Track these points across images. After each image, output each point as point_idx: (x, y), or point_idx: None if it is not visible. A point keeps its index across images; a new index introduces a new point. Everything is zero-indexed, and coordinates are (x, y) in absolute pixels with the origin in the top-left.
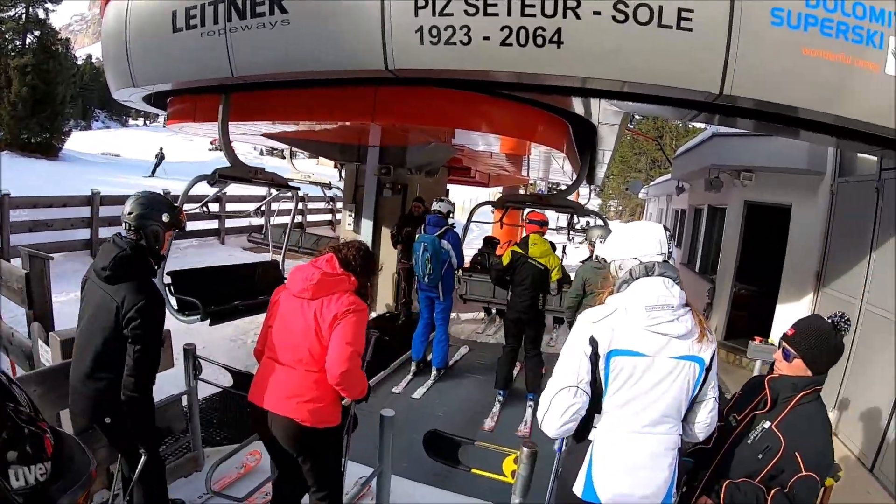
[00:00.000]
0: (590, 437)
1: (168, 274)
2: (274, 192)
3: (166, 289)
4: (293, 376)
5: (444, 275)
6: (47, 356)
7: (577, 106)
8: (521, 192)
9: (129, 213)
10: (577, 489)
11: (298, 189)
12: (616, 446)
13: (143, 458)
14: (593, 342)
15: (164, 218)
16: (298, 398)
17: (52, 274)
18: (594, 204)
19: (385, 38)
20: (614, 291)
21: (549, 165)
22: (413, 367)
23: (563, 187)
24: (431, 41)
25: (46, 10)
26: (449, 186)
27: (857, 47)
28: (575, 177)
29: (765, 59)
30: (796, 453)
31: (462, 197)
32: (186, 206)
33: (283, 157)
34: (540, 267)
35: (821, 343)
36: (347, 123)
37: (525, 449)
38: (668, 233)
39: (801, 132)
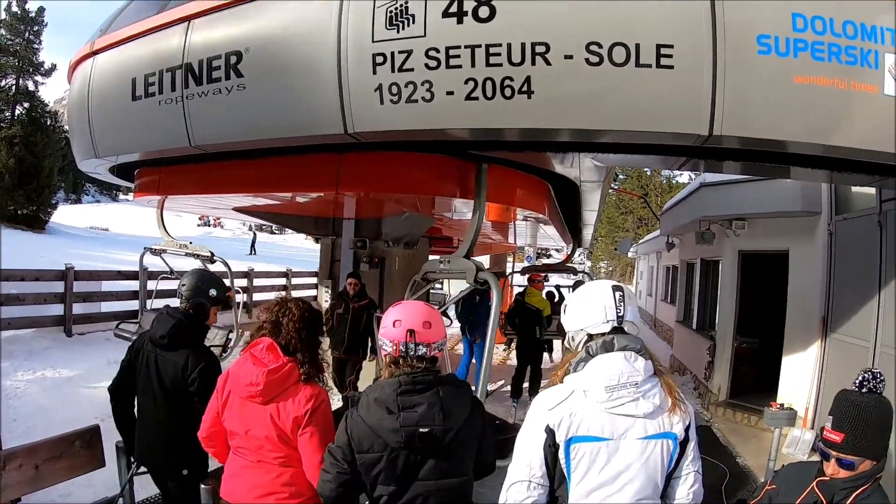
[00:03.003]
0: None
1: None
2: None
3: None
4: (268, 472)
5: (476, 322)
6: None
7: (557, 165)
8: (509, 259)
9: (183, 285)
10: None
11: None
12: None
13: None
14: (549, 431)
15: (212, 293)
16: (277, 495)
17: (22, 351)
18: (586, 266)
19: (343, 99)
20: (570, 370)
21: (535, 231)
22: None
23: (553, 252)
24: (392, 100)
25: (36, 83)
26: (432, 257)
27: (851, 69)
28: (562, 240)
29: (756, 93)
30: None
31: None
32: None
33: (274, 233)
34: (533, 309)
35: (881, 429)
36: (313, 195)
37: None
38: (618, 293)
39: (793, 169)
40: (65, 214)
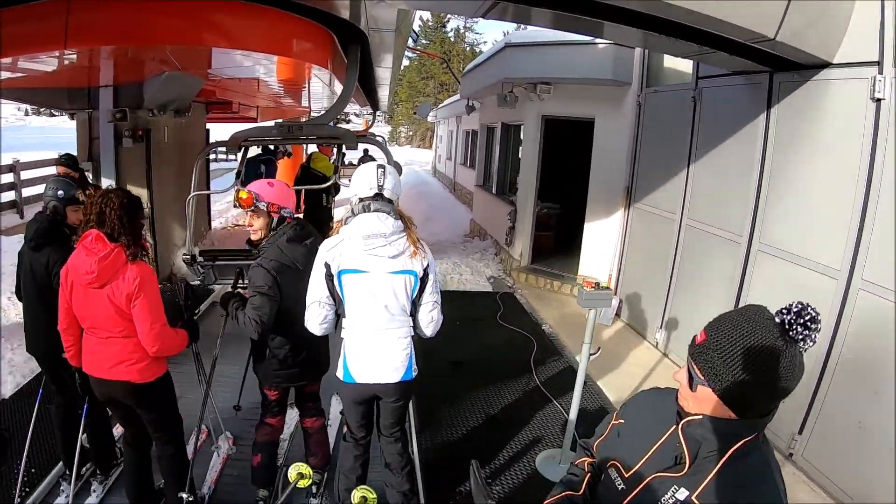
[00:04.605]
0: (341, 336)
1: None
2: None
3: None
4: (115, 345)
5: None
6: None
7: (343, 10)
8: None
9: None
10: (339, 374)
11: None
12: (359, 343)
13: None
14: (326, 265)
15: (60, 194)
16: (125, 363)
17: None
18: (385, 131)
19: None
20: (343, 224)
21: (331, 93)
22: None
23: (352, 117)
24: None
25: None
26: (209, 126)
27: None
28: (357, 103)
29: None
30: None
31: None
32: None
33: (54, 115)
34: (320, 175)
35: (757, 365)
36: (41, 57)
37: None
38: (381, 170)
39: (606, 25)
40: None
